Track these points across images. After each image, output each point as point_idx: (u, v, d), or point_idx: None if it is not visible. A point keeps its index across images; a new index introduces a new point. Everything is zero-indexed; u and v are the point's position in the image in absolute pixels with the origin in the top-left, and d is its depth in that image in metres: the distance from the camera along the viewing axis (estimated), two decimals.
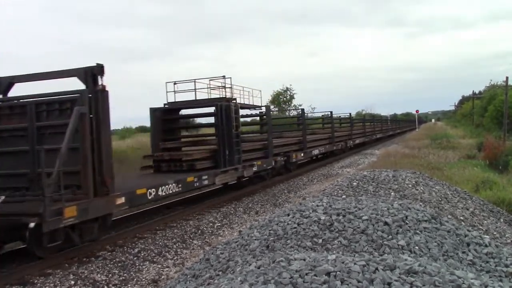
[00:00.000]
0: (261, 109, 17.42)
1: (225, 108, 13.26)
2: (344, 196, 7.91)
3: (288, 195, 14.45)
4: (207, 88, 14.11)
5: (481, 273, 4.41)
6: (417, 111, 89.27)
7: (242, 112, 15.55)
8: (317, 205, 5.85)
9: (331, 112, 29.14)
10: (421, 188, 8.86)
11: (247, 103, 15.85)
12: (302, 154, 20.22)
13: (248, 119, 22.82)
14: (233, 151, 13.33)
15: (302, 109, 24.36)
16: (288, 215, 5.70)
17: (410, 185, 8.88)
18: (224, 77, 14.04)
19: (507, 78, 33.26)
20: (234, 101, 14.01)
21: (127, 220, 10.87)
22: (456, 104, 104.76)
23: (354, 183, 9.15)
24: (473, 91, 74.98)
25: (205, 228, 10.31)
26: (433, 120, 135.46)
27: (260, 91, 17.09)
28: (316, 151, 22.57)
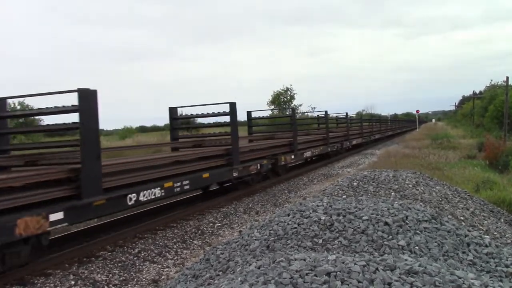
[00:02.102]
0: None
1: None
2: (344, 196, 7.90)
3: (288, 195, 14.44)
4: None
5: (481, 273, 4.40)
6: (417, 111, 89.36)
7: None
8: (318, 205, 5.84)
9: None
10: (422, 188, 8.85)
11: None
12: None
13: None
14: None
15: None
16: (289, 215, 5.70)
17: (411, 185, 8.88)
18: None
19: (507, 78, 33.27)
20: None
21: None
22: (456, 104, 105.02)
23: (355, 183, 9.15)
24: (473, 91, 75.01)
25: (205, 228, 10.30)
26: (433, 120, 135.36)
27: None
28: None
